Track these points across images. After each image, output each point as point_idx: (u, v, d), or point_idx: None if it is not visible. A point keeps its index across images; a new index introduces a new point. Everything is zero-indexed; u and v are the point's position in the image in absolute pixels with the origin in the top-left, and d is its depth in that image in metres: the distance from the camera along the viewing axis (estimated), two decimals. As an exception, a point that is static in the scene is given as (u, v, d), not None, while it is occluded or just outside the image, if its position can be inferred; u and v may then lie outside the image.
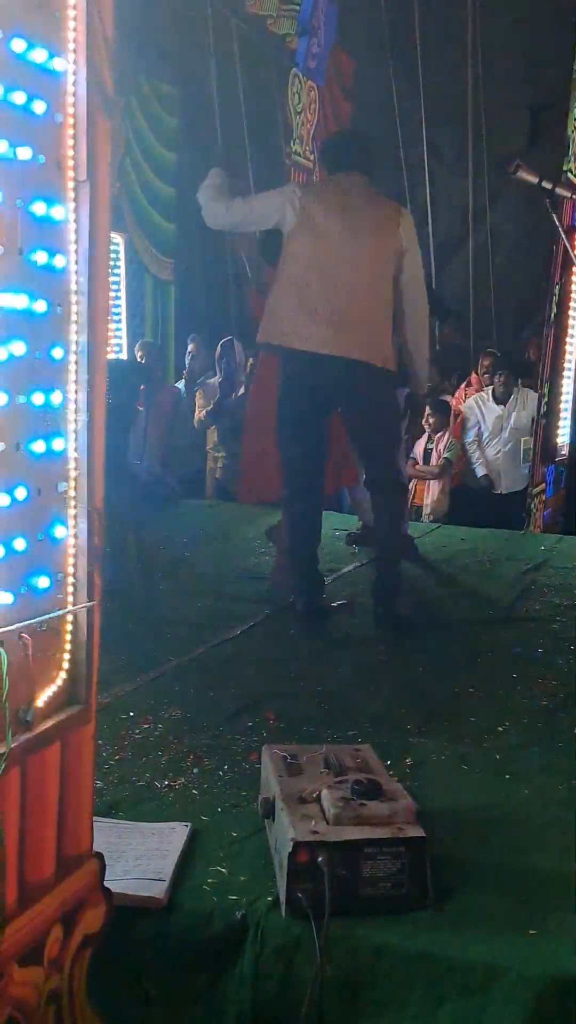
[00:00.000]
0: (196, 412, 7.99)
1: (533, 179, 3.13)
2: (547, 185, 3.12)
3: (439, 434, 7.82)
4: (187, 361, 8.77)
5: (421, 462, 7.85)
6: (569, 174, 7.05)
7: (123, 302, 9.14)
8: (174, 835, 2.51)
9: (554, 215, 3.15)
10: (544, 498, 7.55)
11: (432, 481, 7.78)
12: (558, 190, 3.14)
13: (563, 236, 3.20)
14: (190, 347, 8.87)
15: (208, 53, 8.06)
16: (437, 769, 3.05)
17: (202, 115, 8.89)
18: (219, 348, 7.79)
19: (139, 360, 8.07)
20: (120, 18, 1.87)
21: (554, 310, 7.28)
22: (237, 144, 8.97)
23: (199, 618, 4.49)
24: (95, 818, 2.09)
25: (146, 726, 3.26)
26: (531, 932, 2.19)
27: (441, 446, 7.81)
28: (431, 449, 7.83)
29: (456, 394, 8.56)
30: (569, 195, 3.28)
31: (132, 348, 8.61)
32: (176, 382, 8.78)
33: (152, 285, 9.55)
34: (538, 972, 2.07)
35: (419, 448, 7.88)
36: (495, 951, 2.13)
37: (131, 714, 3.34)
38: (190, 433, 7.90)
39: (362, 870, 2.20)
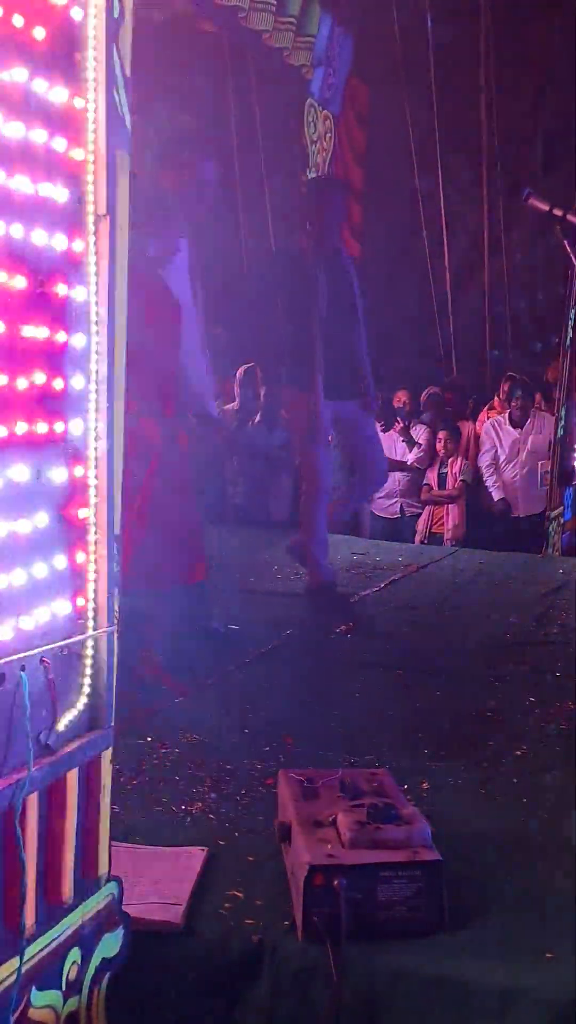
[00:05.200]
0: (214, 437, 8.03)
1: (544, 207, 3.15)
2: (558, 212, 3.13)
3: (452, 458, 7.86)
4: None
5: (436, 487, 7.88)
6: (584, 200, 7.09)
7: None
8: (191, 859, 2.52)
9: (566, 241, 3.16)
10: (562, 521, 7.54)
11: (451, 505, 7.80)
12: (569, 217, 3.15)
13: (575, 264, 3.20)
14: (202, 373, 8.90)
15: (226, 84, 8.17)
16: (455, 793, 3.05)
17: (220, 145, 8.99)
18: (243, 374, 7.80)
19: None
20: (140, 50, 1.92)
21: (570, 334, 7.31)
22: (255, 172, 9.07)
23: (216, 642, 4.50)
24: (112, 842, 2.10)
25: (164, 751, 3.28)
26: (548, 955, 2.19)
27: (456, 469, 7.84)
28: (445, 473, 7.85)
29: (479, 417, 8.60)
30: (581, 222, 3.28)
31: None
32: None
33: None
34: (556, 996, 2.06)
35: (432, 474, 7.91)
36: (513, 975, 2.13)
37: (149, 739, 3.36)
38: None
39: (378, 894, 2.20)
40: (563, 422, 7.41)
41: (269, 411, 7.58)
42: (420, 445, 7.97)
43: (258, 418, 7.57)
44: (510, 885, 2.49)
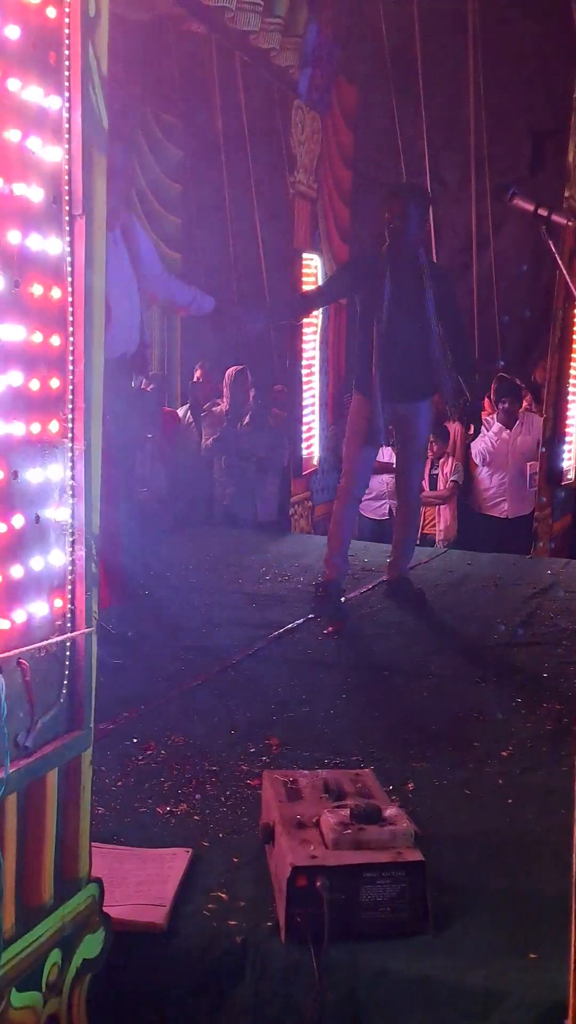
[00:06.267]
0: (203, 439, 8.03)
1: (529, 207, 3.14)
2: (543, 212, 3.12)
3: (442, 459, 7.86)
4: (191, 386, 8.82)
5: (427, 488, 7.88)
6: (572, 200, 7.11)
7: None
8: (175, 861, 2.52)
9: (551, 241, 3.15)
10: (550, 522, 7.55)
11: (442, 506, 7.80)
12: (554, 217, 3.15)
13: (560, 265, 3.19)
14: (197, 373, 8.91)
15: (213, 85, 8.16)
16: (440, 794, 3.05)
17: (207, 146, 9.00)
18: (234, 376, 7.79)
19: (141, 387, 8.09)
20: (126, 51, 1.92)
21: (558, 335, 7.32)
22: (242, 172, 9.07)
23: (202, 643, 4.50)
24: (96, 844, 2.10)
25: (149, 752, 3.27)
26: (532, 956, 2.19)
27: (448, 469, 7.84)
28: (436, 474, 7.85)
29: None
30: (565, 222, 3.28)
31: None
32: (180, 407, 8.81)
33: (158, 312, 9.62)
34: (539, 997, 2.06)
35: None
36: (496, 976, 2.13)
37: (134, 740, 3.35)
38: (195, 458, 7.92)
39: (361, 894, 2.20)
40: (552, 423, 7.42)
41: (258, 413, 7.57)
42: None
43: (247, 420, 7.56)
44: (494, 886, 2.49)
